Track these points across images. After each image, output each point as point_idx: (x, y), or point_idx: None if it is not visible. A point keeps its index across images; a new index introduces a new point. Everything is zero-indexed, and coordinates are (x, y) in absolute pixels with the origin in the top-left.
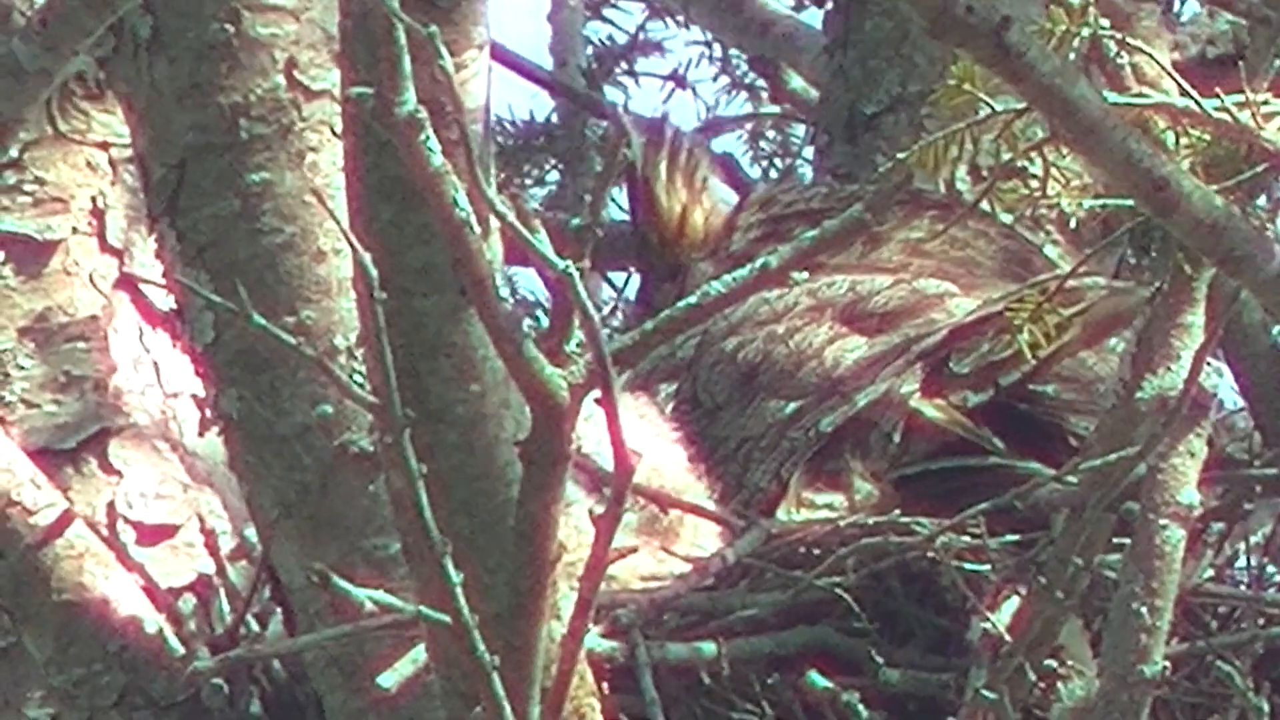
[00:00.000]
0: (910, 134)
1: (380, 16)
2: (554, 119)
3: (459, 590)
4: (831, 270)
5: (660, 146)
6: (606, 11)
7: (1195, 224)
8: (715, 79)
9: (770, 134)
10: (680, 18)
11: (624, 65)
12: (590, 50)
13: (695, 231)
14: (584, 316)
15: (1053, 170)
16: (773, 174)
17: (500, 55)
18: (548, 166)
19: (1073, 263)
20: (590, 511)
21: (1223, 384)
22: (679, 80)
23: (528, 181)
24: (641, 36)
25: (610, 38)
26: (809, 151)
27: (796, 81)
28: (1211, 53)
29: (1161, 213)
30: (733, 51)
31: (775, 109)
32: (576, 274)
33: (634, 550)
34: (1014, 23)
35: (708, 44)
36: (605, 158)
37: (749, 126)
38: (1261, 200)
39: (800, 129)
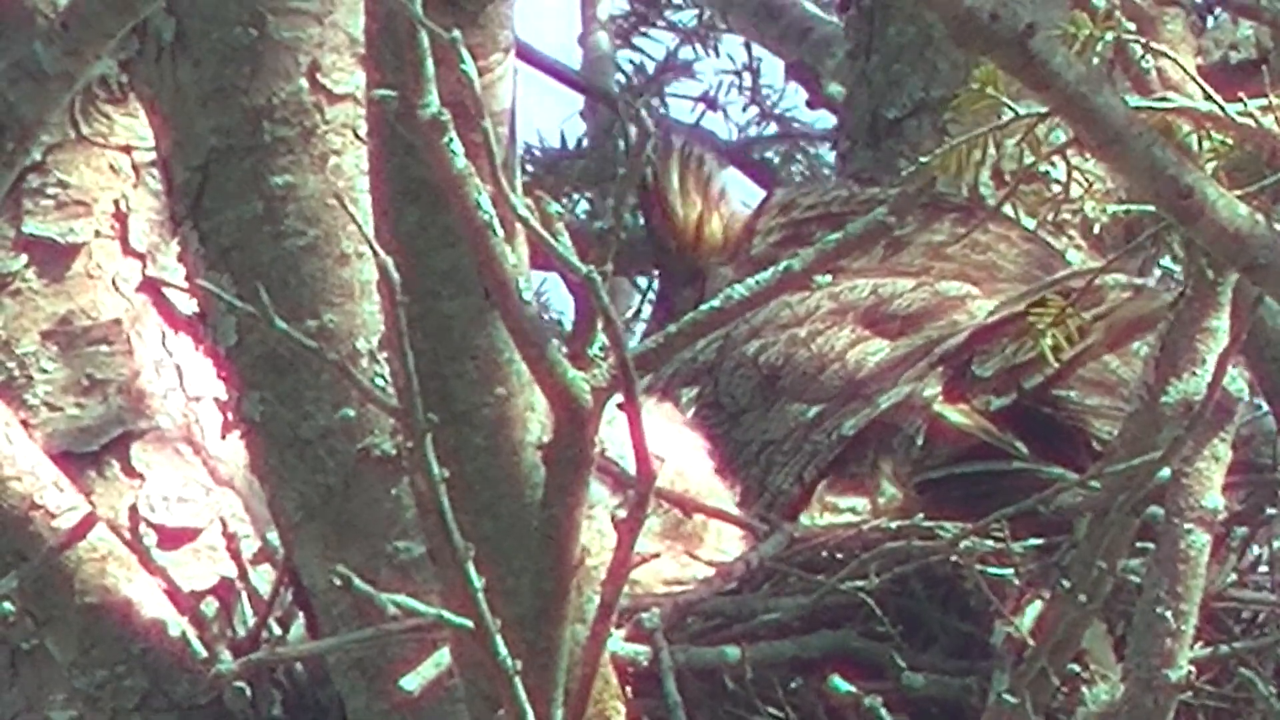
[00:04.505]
0: (933, 139)
1: (405, 19)
2: (584, 142)
3: (481, 595)
4: (853, 274)
5: (675, 155)
6: (637, 40)
7: (1219, 232)
8: (745, 109)
9: (800, 157)
10: (710, 44)
11: (655, 88)
12: (620, 75)
13: (712, 238)
14: (606, 320)
15: (1075, 174)
16: None
17: (538, 61)
18: (580, 194)
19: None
20: (613, 517)
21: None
22: (710, 102)
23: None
24: (671, 61)
25: (641, 63)
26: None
27: (834, 88)
28: (1235, 58)
29: (1185, 220)
30: (763, 81)
31: (807, 121)
32: (599, 278)
33: (656, 556)
34: (1038, 30)
35: (738, 73)
36: (628, 161)
37: (781, 148)
38: None
39: (828, 151)
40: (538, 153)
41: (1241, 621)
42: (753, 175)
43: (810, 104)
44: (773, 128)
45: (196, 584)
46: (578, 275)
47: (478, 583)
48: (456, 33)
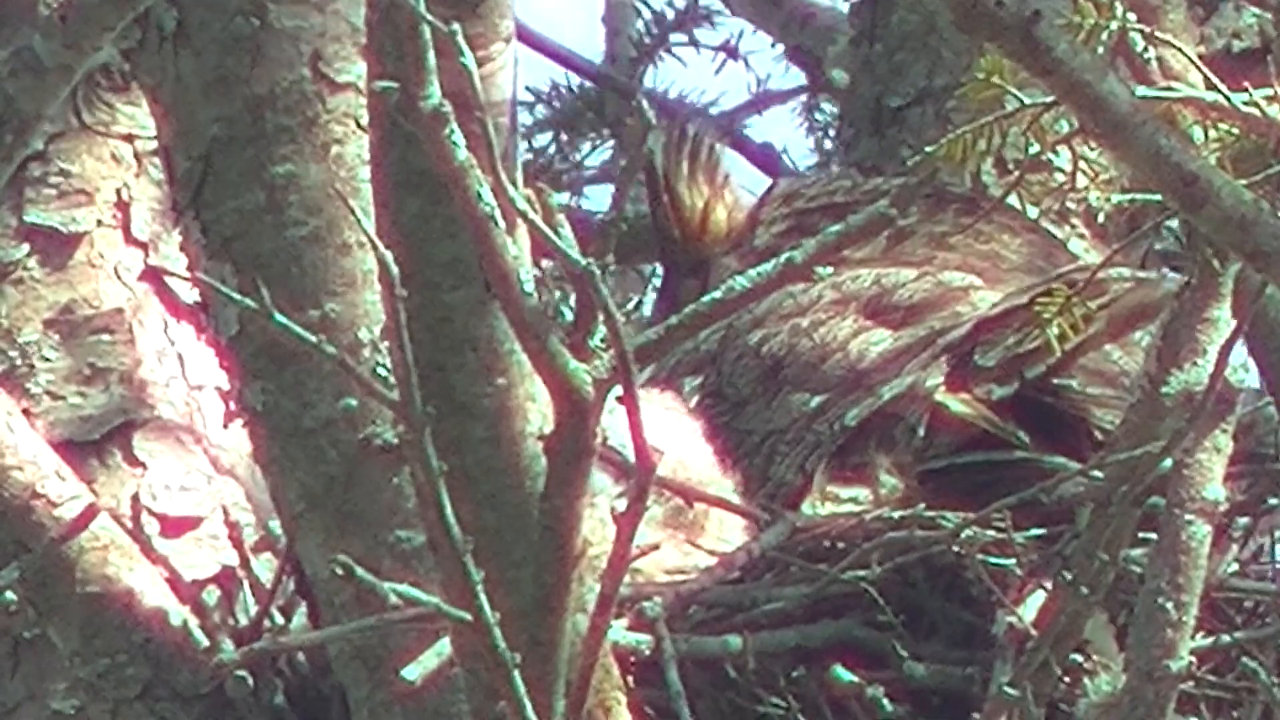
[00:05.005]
0: (936, 127)
1: (405, 11)
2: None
3: (480, 588)
4: (856, 264)
5: (681, 143)
6: None
7: (1224, 219)
8: (771, 47)
9: (825, 107)
10: None
11: (676, 36)
12: (642, 23)
13: (718, 228)
14: (605, 313)
15: (1081, 163)
16: (827, 145)
17: (544, 47)
18: (599, 138)
19: (1099, 257)
20: (612, 509)
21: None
22: (731, 51)
23: (582, 148)
24: (693, 10)
25: (662, 10)
26: None
27: (836, 73)
28: (1237, 47)
29: (1190, 208)
30: None
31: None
32: (598, 270)
33: (656, 547)
34: (1043, 17)
35: None
36: (629, 150)
37: (803, 99)
38: None
39: None
40: (562, 91)
41: (1243, 611)
42: (753, 154)
43: (810, 90)
44: (798, 74)
45: (198, 573)
46: (577, 267)
47: (476, 576)
48: (455, 26)
